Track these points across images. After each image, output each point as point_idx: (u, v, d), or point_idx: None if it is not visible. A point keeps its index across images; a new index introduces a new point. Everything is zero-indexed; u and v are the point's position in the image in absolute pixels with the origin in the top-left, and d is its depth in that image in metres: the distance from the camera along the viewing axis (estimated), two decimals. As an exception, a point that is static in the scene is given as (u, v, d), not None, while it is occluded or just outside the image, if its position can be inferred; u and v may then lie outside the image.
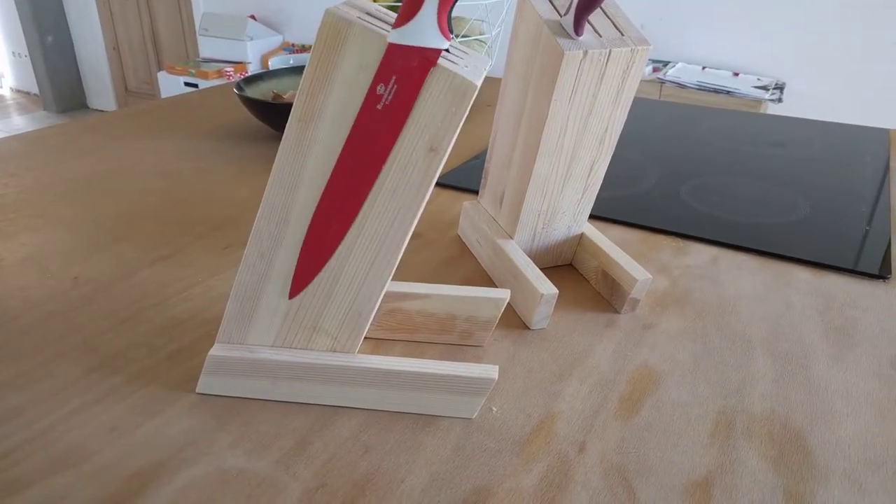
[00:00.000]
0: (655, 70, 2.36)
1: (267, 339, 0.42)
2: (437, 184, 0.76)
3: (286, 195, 0.37)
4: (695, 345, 0.49)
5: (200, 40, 3.27)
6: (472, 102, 0.35)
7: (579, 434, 0.40)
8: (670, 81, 2.20)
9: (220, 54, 3.20)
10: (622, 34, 0.44)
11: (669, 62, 2.43)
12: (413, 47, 0.34)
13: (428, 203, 0.71)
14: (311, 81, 0.34)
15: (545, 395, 0.44)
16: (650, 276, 0.51)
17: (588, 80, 0.44)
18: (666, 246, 0.64)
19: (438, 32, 0.34)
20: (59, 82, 4.09)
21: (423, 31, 0.34)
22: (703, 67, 2.40)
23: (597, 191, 0.54)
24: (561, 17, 0.44)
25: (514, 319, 0.52)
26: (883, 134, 0.98)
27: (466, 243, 0.62)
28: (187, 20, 3.56)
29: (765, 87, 2.18)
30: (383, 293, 0.40)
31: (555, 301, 0.49)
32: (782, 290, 0.57)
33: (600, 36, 0.44)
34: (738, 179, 0.80)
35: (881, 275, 0.58)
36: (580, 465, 0.38)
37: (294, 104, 0.35)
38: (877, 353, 0.49)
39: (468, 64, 0.35)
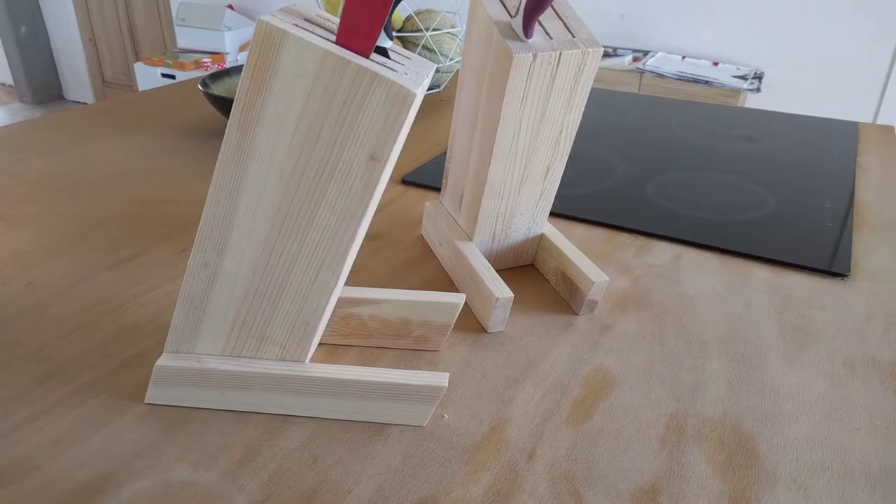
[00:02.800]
0: (635, 60, 2.36)
1: (215, 348, 0.42)
2: (402, 182, 0.76)
3: (228, 203, 0.37)
4: (651, 347, 0.49)
5: (177, 30, 3.22)
6: (413, 110, 0.34)
7: (530, 441, 0.40)
8: (649, 71, 2.20)
9: (198, 45, 3.16)
10: (573, 35, 0.44)
11: (649, 52, 2.43)
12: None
13: (391, 202, 0.71)
14: (248, 90, 0.33)
15: (498, 400, 0.44)
16: (607, 277, 0.51)
17: (539, 83, 0.44)
18: (629, 245, 0.64)
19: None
20: (34, 74, 4.02)
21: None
22: (683, 57, 2.40)
23: (555, 192, 0.54)
24: (511, 18, 0.44)
25: (472, 322, 0.51)
26: (852, 127, 0.98)
27: (429, 244, 0.62)
28: (164, 10, 3.51)
29: (743, 77, 2.19)
30: (331, 302, 0.39)
31: (510, 305, 0.49)
32: (742, 289, 0.57)
33: (551, 38, 0.43)
34: (706, 175, 0.80)
35: (839, 273, 0.59)
36: (529, 472, 0.38)
37: (232, 111, 0.34)
38: (831, 353, 0.49)
39: (408, 70, 0.34)
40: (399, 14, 1.06)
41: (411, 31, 1.06)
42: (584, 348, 0.49)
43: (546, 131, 0.48)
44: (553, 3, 0.45)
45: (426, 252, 0.61)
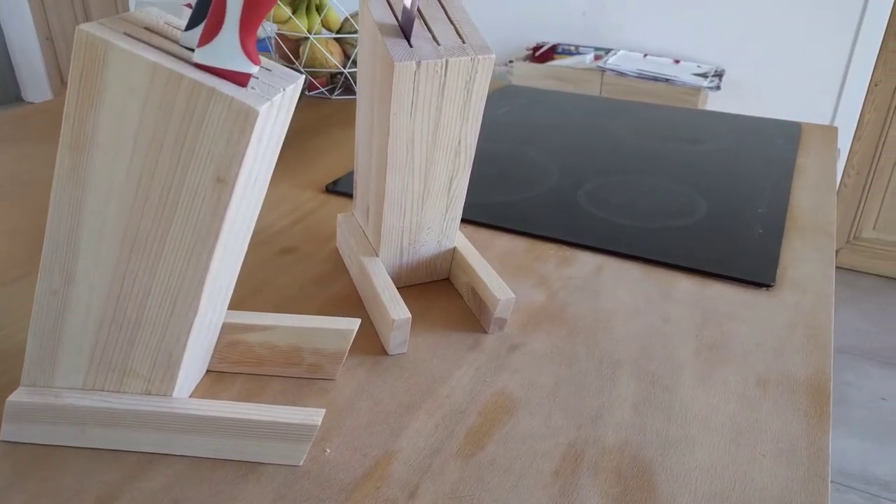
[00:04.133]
0: (597, 58, 2.34)
1: (76, 381, 0.38)
2: (326, 190, 0.73)
3: (70, 228, 0.34)
4: (559, 367, 0.47)
5: (136, 29, 3.15)
6: (266, 127, 0.32)
7: (414, 476, 0.38)
8: (610, 70, 2.19)
9: (157, 44, 3.09)
10: (464, 41, 0.41)
11: (611, 50, 2.42)
12: (220, 69, 0.31)
13: (311, 213, 0.68)
14: (76, 105, 0.30)
15: (388, 431, 0.41)
16: (513, 295, 0.48)
17: (428, 92, 0.41)
18: (552, 256, 0.61)
19: (243, 55, 0.31)
20: (-9, 74, 3.91)
21: (225, 53, 0.30)
22: (645, 55, 2.39)
23: (462, 204, 0.51)
24: (398, 22, 0.41)
25: (375, 343, 0.49)
26: (795, 128, 0.97)
27: (343, 258, 0.59)
28: (123, 8, 3.43)
29: (704, 75, 2.18)
30: (193, 333, 0.36)
31: (409, 326, 0.46)
32: (662, 302, 0.55)
33: (438, 44, 0.40)
34: (641, 179, 0.78)
35: (764, 283, 0.57)
36: (407, 513, 0.35)
37: (62, 129, 0.31)
38: (745, 372, 0.47)
39: (257, 85, 0.32)
40: (337, 16, 1.03)
41: (349, 33, 1.03)
42: (487, 370, 0.46)
43: (443, 143, 0.45)
44: (445, 7, 0.42)
45: (340, 267, 0.58)
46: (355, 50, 1.01)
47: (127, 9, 3.42)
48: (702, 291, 0.56)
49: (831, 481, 1.49)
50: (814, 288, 0.57)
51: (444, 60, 0.40)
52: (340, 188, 0.73)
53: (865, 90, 2.06)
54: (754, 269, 0.59)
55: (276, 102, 0.32)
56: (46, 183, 0.73)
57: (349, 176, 0.76)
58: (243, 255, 0.40)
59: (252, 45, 0.31)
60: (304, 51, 1.00)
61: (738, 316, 0.53)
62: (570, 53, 2.41)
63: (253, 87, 0.31)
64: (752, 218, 0.68)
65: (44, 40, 3.79)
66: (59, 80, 3.89)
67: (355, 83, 1.03)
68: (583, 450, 0.40)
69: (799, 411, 0.43)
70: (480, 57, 0.40)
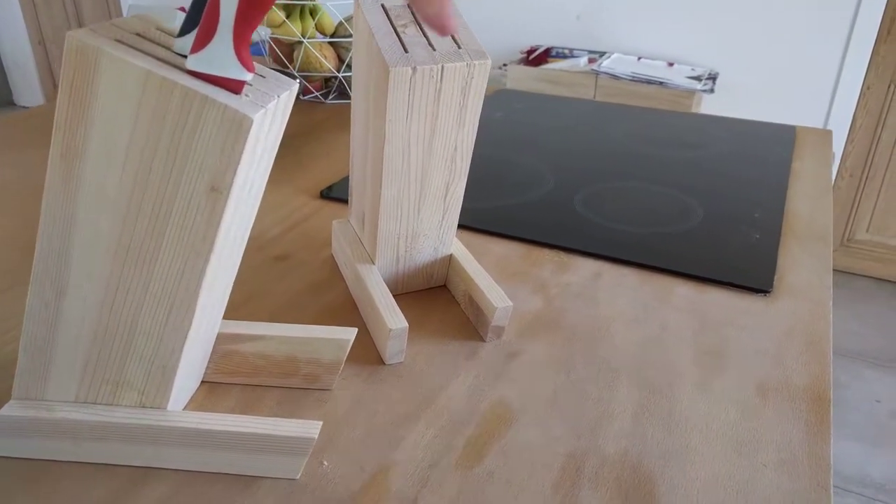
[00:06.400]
0: (591, 61, 2.35)
1: (69, 394, 0.38)
2: (321, 196, 0.72)
3: (62, 239, 0.33)
4: (558, 376, 0.46)
5: (129, 33, 3.13)
6: (261, 135, 0.31)
7: (413, 489, 0.37)
8: (604, 73, 2.19)
9: (150, 47, 3.07)
10: (459, 47, 0.41)
11: (605, 53, 2.42)
12: (213, 76, 0.30)
13: (305, 219, 0.67)
14: (67, 113, 0.30)
15: (386, 442, 0.40)
16: (510, 303, 0.48)
17: (423, 98, 0.41)
18: (549, 262, 0.61)
19: (237, 62, 0.30)
20: (-18, 78, 3.89)
21: (219, 60, 0.30)
22: (639, 58, 2.40)
23: (458, 210, 0.51)
24: (394, 29, 0.40)
25: (372, 352, 0.48)
26: (790, 131, 0.97)
27: (339, 265, 0.58)
28: (115, 12, 3.41)
29: (698, 78, 2.18)
30: (188, 345, 0.36)
31: (406, 336, 0.46)
32: (660, 308, 0.54)
33: (434, 50, 0.40)
34: (638, 185, 0.77)
35: (762, 289, 0.56)
36: (406, 527, 0.35)
37: (52, 139, 0.30)
38: (745, 379, 0.47)
39: (251, 92, 0.31)
40: (331, 20, 1.03)
41: (343, 37, 1.02)
42: (486, 379, 0.46)
43: (439, 150, 0.45)
44: (442, 13, 0.41)
45: (335, 274, 0.58)
46: (350, 54, 1.00)
47: (119, 13, 3.41)
48: (699, 298, 0.56)
49: (827, 484, 1.50)
50: (811, 294, 0.57)
51: (439, 66, 0.39)
52: (335, 194, 0.72)
53: (858, 94, 2.07)
54: (752, 276, 0.58)
55: (270, 109, 0.32)
56: (38, 189, 0.72)
57: (344, 181, 0.75)
58: (238, 264, 0.40)
59: (246, 52, 0.30)
60: (299, 55, 1.00)
61: (736, 322, 0.53)
62: (564, 57, 2.41)
63: (247, 95, 0.31)
64: (748, 223, 0.68)
65: (36, 44, 3.76)
66: (51, 84, 3.87)
67: (350, 87, 1.02)
68: (583, 461, 0.39)
69: (800, 420, 0.43)
70: (476, 62, 0.40)
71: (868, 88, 2.07)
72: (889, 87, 2.05)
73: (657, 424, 0.42)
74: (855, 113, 2.10)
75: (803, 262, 0.62)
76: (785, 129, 0.98)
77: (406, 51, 0.39)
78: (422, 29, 0.41)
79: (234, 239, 0.36)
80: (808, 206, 0.74)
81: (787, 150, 0.89)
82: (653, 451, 0.40)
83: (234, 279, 0.40)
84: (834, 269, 2.31)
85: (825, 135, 0.96)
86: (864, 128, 2.12)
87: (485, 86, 0.42)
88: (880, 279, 2.26)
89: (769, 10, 2.14)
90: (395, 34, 0.40)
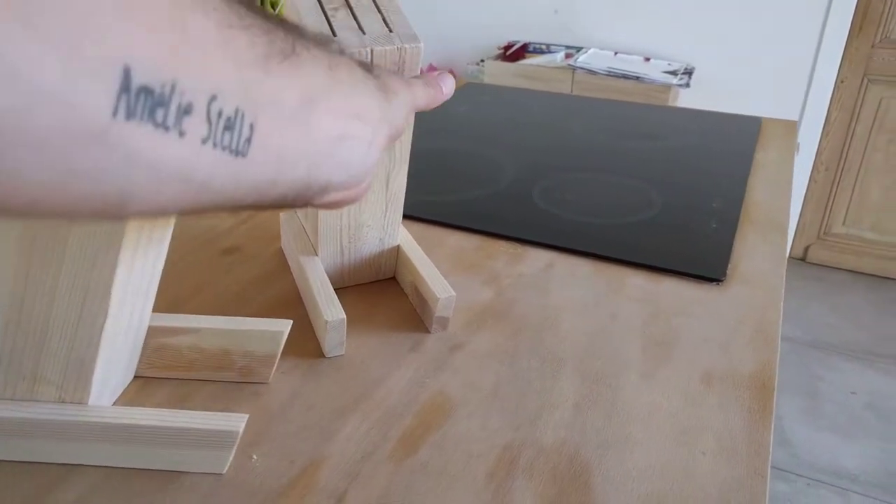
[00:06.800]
0: (568, 56, 2.34)
1: (-14, 390, 0.36)
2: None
3: (-32, 230, 0.32)
4: (501, 367, 0.46)
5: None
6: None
7: (343, 482, 0.36)
8: (580, 68, 2.19)
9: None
10: (391, 30, 0.40)
11: (582, 48, 2.42)
12: None
13: (255, 212, 0.66)
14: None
15: (319, 436, 0.39)
16: (454, 293, 0.47)
17: (355, 84, 0.40)
18: (503, 253, 0.60)
19: None
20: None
21: None
22: (616, 53, 2.40)
23: (402, 200, 0.50)
24: (324, 13, 0.39)
25: (313, 345, 0.47)
26: (756, 123, 0.97)
27: (286, 257, 0.57)
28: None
29: (674, 73, 2.19)
30: (106, 338, 0.35)
31: (344, 327, 0.45)
32: (612, 298, 0.54)
33: (364, 34, 0.39)
34: (599, 176, 0.77)
35: (714, 278, 0.56)
36: (332, 521, 0.34)
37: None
38: (691, 368, 0.46)
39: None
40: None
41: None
42: (427, 371, 0.45)
43: (376, 137, 0.44)
44: (375, -4, 0.40)
45: (283, 267, 0.57)
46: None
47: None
48: (652, 287, 0.55)
49: (801, 476, 1.50)
50: (764, 283, 0.57)
51: (368, 49, 0.38)
52: (291, 187, 0.71)
53: (832, 88, 2.08)
54: (706, 264, 0.58)
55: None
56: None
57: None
58: (164, 254, 0.38)
59: None
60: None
61: (686, 311, 0.52)
62: (541, 52, 2.41)
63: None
64: (706, 213, 0.68)
65: None
66: None
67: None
68: (519, 451, 0.39)
69: (742, 407, 0.43)
70: (407, 46, 0.39)
71: (842, 82, 2.08)
72: (862, 80, 2.06)
73: (599, 414, 0.42)
74: (829, 107, 2.11)
75: (758, 251, 0.61)
76: (750, 120, 0.98)
77: (335, 34, 0.38)
78: (353, 12, 0.40)
79: (153, 225, 0.35)
80: (768, 196, 0.73)
81: (752, 141, 0.89)
82: (591, 442, 0.40)
83: (160, 269, 0.39)
84: (811, 263, 2.33)
85: (790, 125, 0.96)
86: (839, 121, 2.13)
87: (417, 70, 0.41)
88: (856, 272, 2.27)
89: (745, 5, 2.15)
90: (324, 17, 0.39)
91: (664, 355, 0.47)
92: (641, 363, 0.46)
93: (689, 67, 2.27)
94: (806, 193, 2.25)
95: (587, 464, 0.38)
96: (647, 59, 2.34)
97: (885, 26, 1.99)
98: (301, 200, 0.28)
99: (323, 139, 0.26)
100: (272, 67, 0.22)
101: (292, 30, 0.25)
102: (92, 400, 0.37)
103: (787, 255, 0.60)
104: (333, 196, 0.30)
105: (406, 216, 0.59)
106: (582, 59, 2.26)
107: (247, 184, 0.23)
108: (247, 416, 0.36)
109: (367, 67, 0.30)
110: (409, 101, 0.33)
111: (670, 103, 2.12)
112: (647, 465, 0.38)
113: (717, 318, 0.52)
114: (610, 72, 2.17)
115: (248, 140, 0.22)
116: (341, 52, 0.29)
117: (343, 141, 0.27)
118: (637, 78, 2.13)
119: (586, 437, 0.40)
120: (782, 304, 0.53)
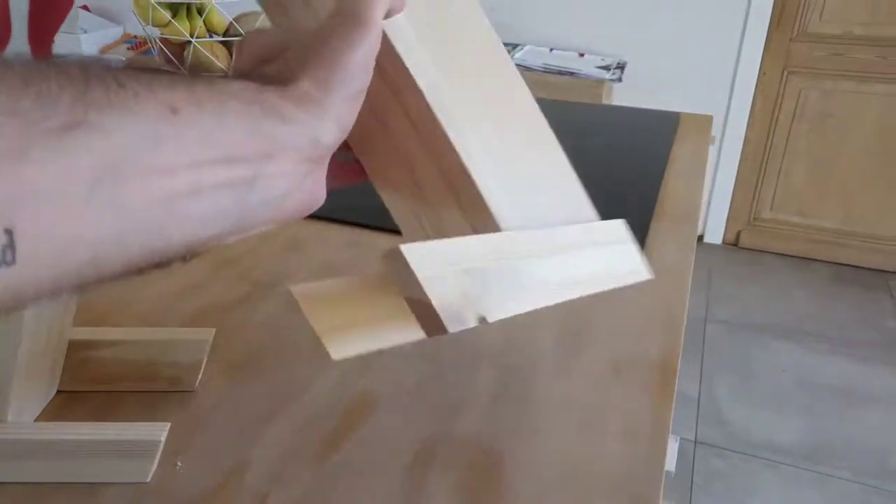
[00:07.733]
0: (505, 54, 2.38)
1: None
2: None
3: None
4: (425, 364, 0.48)
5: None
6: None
7: (265, 485, 0.38)
8: (517, 65, 2.22)
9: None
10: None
11: (518, 45, 2.46)
12: None
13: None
14: None
15: (245, 440, 0.41)
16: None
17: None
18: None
19: None
20: None
21: None
22: (552, 49, 2.44)
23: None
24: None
25: (239, 350, 0.48)
26: (674, 118, 1.01)
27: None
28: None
29: (606, 68, 2.25)
30: (22, 356, 0.35)
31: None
32: (531, 293, 0.56)
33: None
34: (523, 174, 0.79)
35: (627, 270, 0.59)
36: (255, 522, 0.35)
37: None
38: (602, 358, 0.49)
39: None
40: (221, 18, 1.01)
41: (236, 36, 1.01)
42: (355, 370, 0.47)
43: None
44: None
45: (205, 278, 0.57)
46: (242, 53, 0.99)
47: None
48: (570, 281, 0.58)
49: (735, 451, 1.57)
50: (673, 271, 0.60)
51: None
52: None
53: (755, 80, 2.17)
54: (620, 257, 0.61)
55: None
56: None
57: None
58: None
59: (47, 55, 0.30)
60: (188, 54, 0.98)
61: (599, 303, 0.55)
62: (478, 50, 2.43)
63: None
64: (621, 207, 0.71)
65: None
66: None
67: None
68: (437, 445, 0.41)
69: (647, 391, 0.46)
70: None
71: (764, 75, 2.17)
72: (783, 72, 2.16)
73: (513, 406, 0.44)
74: (754, 98, 2.20)
75: (669, 242, 0.65)
76: (669, 115, 1.03)
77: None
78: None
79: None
80: (682, 188, 0.77)
81: (670, 136, 0.93)
82: (506, 433, 0.42)
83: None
84: (743, 248, 2.43)
85: (705, 119, 1.01)
86: (762, 112, 2.22)
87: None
88: (783, 254, 2.38)
89: (672, 1, 2.22)
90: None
91: (578, 347, 0.50)
92: (557, 355, 0.49)
93: (621, 62, 2.33)
94: (735, 181, 2.34)
95: (501, 454, 0.40)
96: (582, 55, 2.39)
97: (801, 20, 2.09)
98: (169, 262, 0.24)
99: (156, 204, 0.22)
100: (34, 153, 0.19)
101: (100, 81, 0.21)
102: (11, 417, 0.37)
103: (696, 243, 0.63)
104: (279, 218, 0.27)
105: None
106: (518, 56, 2.30)
107: (37, 286, 0.20)
108: (168, 424, 0.37)
109: (263, 85, 0.25)
110: (340, 89, 0.27)
111: (604, 99, 2.17)
112: (556, 451, 0.41)
113: (629, 308, 0.55)
114: (546, 68, 2.22)
115: (10, 246, 0.18)
116: (226, 77, 0.25)
117: (199, 195, 0.23)
118: (571, 74, 2.18)
119: (501, 428, 0.42)
120: (688, 292, 0.57)
